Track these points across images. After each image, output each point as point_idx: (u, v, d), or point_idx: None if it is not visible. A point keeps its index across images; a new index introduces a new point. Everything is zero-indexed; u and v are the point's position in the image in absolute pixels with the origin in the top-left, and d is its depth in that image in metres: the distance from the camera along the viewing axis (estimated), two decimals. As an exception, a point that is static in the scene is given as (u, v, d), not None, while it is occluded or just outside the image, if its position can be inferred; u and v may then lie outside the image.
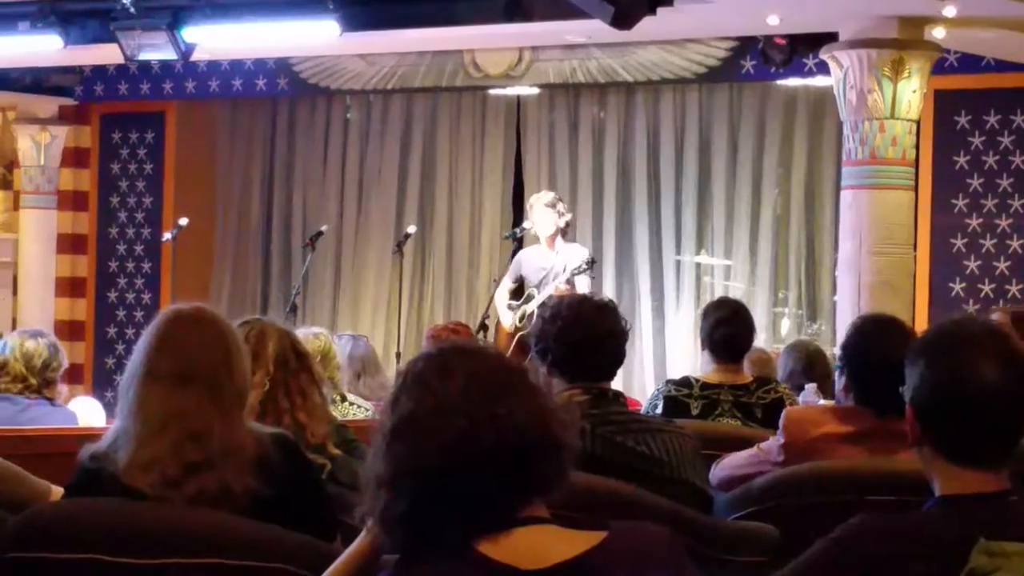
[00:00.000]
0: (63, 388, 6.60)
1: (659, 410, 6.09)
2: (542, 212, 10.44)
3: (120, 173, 14.48)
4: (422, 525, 2.40)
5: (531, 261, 10.65)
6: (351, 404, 6.54)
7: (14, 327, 13.66)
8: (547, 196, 10.60)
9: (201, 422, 3.37)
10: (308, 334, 6.00)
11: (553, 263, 10.42)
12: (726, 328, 6.25)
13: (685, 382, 6.23)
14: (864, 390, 4.42)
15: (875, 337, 4.41)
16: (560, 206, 10.52)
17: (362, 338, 8.14)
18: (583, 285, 10.33)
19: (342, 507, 3.53)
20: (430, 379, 2.43)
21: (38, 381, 6.26)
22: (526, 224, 10.77)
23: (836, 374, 4.63)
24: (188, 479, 3.33)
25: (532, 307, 10.33)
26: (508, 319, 10.62)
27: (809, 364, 7.18)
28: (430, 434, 2.38)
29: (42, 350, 6.31)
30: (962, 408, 2.68)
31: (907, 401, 2.75)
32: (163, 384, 3.39)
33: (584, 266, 10.27)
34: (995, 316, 7.56)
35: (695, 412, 6.07)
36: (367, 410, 6.58)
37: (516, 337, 10.39)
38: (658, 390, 6.31)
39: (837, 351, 4.34)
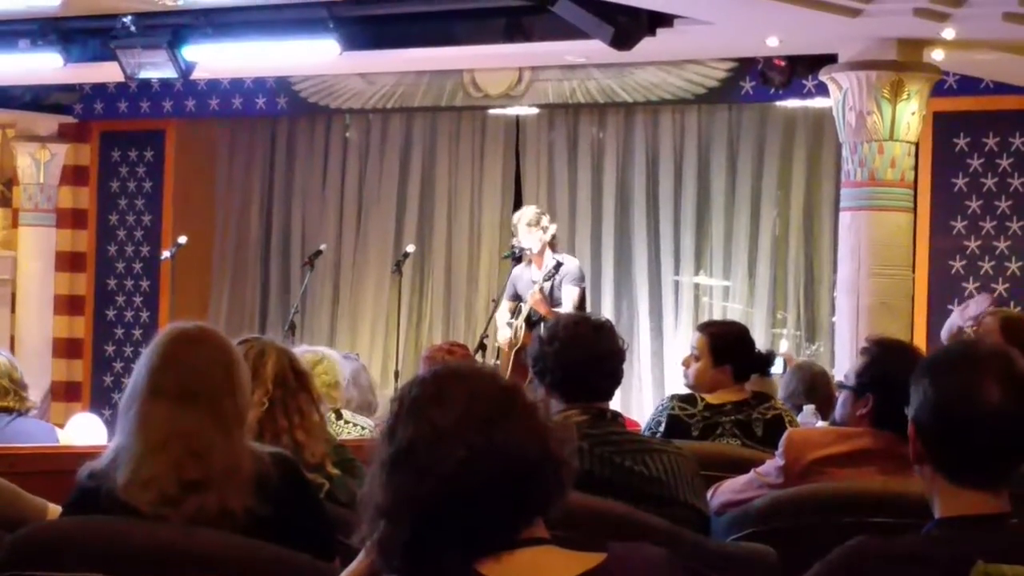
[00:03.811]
0: (35, 399, 6.55)
1: (662, 427, 6.06)
2: (526, 231, 10.45)
3: (119, 191, 14.49)
4: (424, 551, 2.40)
5: (523, 278, 10.66)
6: (346, 422, 6.53)
7: (12, 345, 13.69)
8: (528, 214, 10.58)
9: (202, 441, 3.36)
10: (306, 352, 6.00)
11: (543, 281, 10.41)
12: None
13: (691, 399, 6.18)
14: (888, 413, 4.34)
15: (898, 360, 4.37)
16: (543, 220, 10.52)
17: (355, 357, 8.16)
18: (569, 295, 10.32)
19: (340, 527, 3.53)
20: (426, 407, 2.42)
21: (25, 392, 6.25)
22: (516, 242, 10.76)
23: (840, 396, 4.61)
24: (187, 497, 3.33)
25: (521, 320, 10.35)
26: (505, 335, 10.61)
27: (812, 385, 7.18)
28: (429, 464, 2.37)
29: (14, 363, 6.29)
30: (964, 427, 2.68)
31: (910, 419, 2.75)
32: (165, 403, 3.39)
33: (551, 271, 10.29)
34: (987, 319, 7.55)
35: (695, 433, 6.05)
36: (363, 428, 6.57)
37: (513, 353, 10.38)
38: (663, 404, 6.24)
39: (834, 373, 4.35)
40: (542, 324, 10.07)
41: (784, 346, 12.15)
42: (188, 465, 3.34)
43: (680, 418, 6.08)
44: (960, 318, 8.16)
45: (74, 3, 10.87)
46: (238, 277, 14.46)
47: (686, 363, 6.32)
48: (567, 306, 10.21)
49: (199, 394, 3.40)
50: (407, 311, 13.25)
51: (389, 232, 13.74)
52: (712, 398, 6.15)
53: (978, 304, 8.52)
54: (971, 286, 11.04)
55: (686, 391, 6.31)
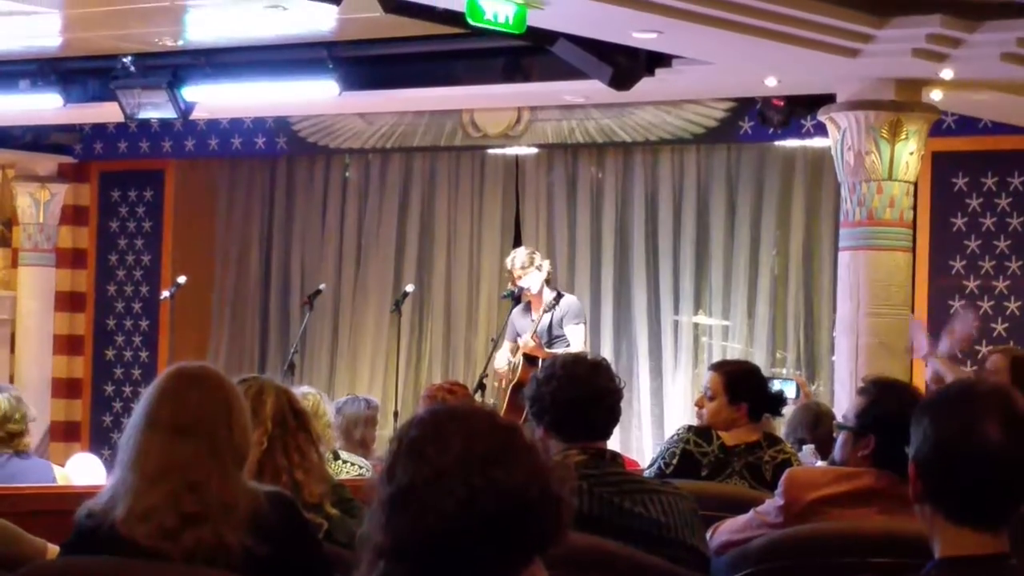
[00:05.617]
0: (32, 439, 6.54)
1: (676, 459, 6.02)
2: (524, 274, 10.39)
3: (119, 231, 14.50)
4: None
5: (521, 317, 10.64)
6: (344, 462, 6.54)
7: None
8: (522, 257, 10.49)
9: (199, 474, 3.37)
10: (297, 393, 5.99)
11: (542, 314, 10.40)
12: None
13: (706, 436, 6.14)
14: (889, 453, 4.33)
15: (898, 400, 4.36)
16: (536, 259, 10.49)
17: (365, 400, 8.16)
18: (575, 334, 10.30)
19: (339, 567, 3.52)
20: (425, 447, 2.41)
21: (5, 433, 6.23)
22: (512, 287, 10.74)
23: (839, 437, 4.59)
24: (185, 530, 3.33)
25: (519, 356, 10.32)
26: (502, 365, 10.55)
27: (815, 423, 7.18)
28: (429, 505, 2.36)
29: (11, 403, 6.28)
30: (964, 466, 2.68)
31: (910, 458, 2.75)
32: (163, 434, 3.40)
33: (552, 303, 10.25)
34: (993, 358, 7.57)
35: (704, 473, 6.02)
36: (360, 467, 6.57)
37: (509, 391, 10.34)
38: (678, 435, 6.19)
39: (834, 412, 4.33)
40: (540, 362, 10.05)
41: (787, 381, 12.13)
42: (185, 497, 3.35)
43: (692, 454, 6.05)
44: (948, 343, 8.15)
45: (74, 44, 10.90)
46: (237, 317, 14.45)
47: (699, 404, 6.31)
48: (576, 346, 10.18)
49: (195, 427, 3.41)
50: (406, 351, 13.24)
51: (388, 271, 13.74)
52: (728, 437, 6.11)
53: (963, 322, 8.55)
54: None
55: (700, 424, 6.28)
